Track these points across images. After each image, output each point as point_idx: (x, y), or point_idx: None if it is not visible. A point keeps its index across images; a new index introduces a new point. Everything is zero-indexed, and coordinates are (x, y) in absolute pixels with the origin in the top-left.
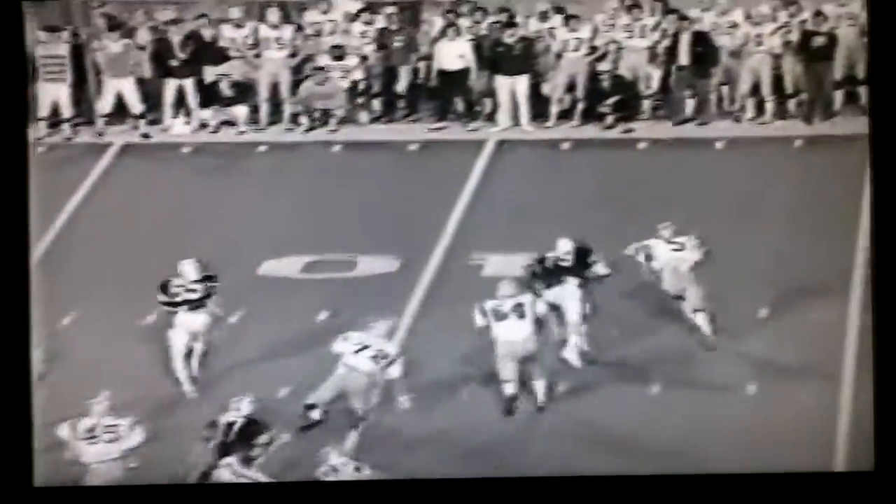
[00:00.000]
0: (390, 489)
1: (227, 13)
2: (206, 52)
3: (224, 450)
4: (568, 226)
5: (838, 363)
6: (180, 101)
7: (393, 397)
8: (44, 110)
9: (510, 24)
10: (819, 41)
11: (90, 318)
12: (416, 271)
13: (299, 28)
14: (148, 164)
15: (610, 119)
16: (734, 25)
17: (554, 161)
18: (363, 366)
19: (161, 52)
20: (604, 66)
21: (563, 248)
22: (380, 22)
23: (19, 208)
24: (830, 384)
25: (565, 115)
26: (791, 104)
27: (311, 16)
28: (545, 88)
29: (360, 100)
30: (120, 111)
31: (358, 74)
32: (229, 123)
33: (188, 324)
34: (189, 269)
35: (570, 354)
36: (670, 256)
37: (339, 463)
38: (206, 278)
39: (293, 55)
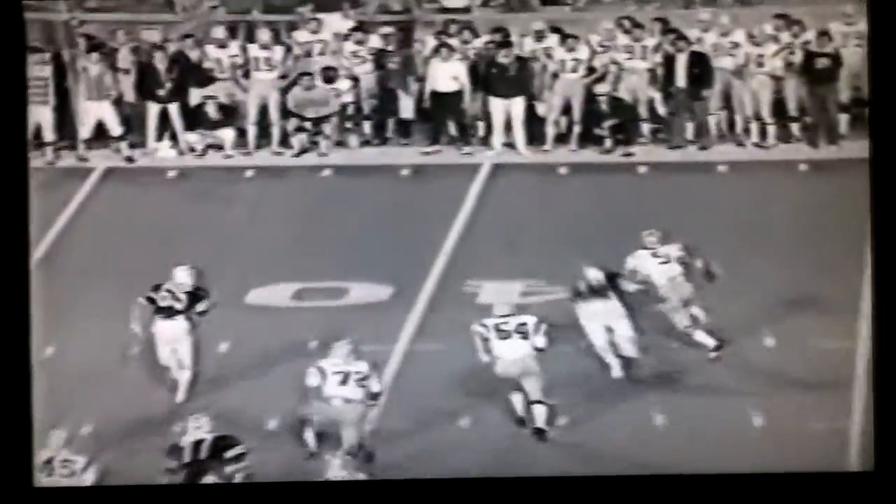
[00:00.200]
0: (390, 489)
1: (211, 33)
2: (191, 74)
3: (196, 469)
4: (565, 253)
5: (847, 385)
6: (164, 124)
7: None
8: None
9: (505, 43)
10: (823, 62)
11: (72, 347)
12: (410, 299)
13: (289, 49)
14: (132, 189)
15: (608, 143)
16: (736, 45)
17: (551, 186)
18: (354, 394)
19: (145, 78)
20: (602, 88)
21: (594, 277)
22: (372, 41)
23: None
24: (838, 399)
25: (562, 138)
26: (794, 128)
27: (300, 35)
28: (540, 109)
29: (348, 123)
30: (102, 135)
31: (349, 97)
32: (216, 147)
33: (165, 332)
34: (182, 276)
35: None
36: (660, 270)
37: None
38: (196, 290)
39: (283, 77)
